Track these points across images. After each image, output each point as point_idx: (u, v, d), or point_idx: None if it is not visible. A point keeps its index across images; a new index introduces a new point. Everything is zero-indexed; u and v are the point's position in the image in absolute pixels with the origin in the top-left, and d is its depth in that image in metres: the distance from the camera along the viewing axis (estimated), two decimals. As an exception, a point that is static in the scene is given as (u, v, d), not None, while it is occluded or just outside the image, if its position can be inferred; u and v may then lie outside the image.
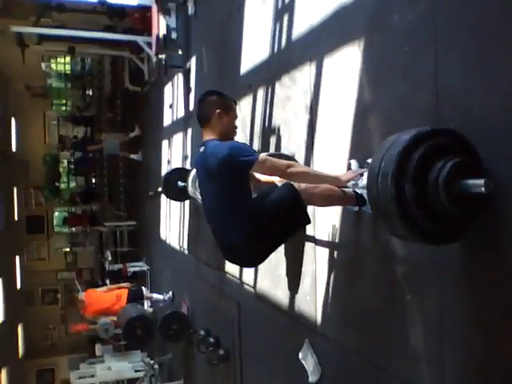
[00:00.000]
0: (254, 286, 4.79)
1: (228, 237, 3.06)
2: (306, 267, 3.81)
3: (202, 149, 3.11)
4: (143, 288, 9.12)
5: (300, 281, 3.87)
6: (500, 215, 2.14)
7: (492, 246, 2.23)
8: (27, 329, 19.90)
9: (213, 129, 3.13)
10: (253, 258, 3.25)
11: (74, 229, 19.00)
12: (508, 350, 2.15)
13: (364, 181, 2.85)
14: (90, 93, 18.72)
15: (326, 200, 3.08)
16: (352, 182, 3.00)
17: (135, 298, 8.60)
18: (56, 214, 23.06)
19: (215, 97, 3.21)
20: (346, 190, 3.01)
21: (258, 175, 3.33)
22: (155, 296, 8.85)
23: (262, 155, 2.95)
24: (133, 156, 11.42)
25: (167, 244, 8.87)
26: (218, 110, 3.12)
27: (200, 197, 5.28)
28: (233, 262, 3.52)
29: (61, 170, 22.29)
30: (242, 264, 4.06)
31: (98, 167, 17.21)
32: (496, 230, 2.18)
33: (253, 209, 3.01)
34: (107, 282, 11.04)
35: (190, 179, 5.62)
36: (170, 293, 8.59)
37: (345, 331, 3.35)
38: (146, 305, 8.76)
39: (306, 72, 3.74)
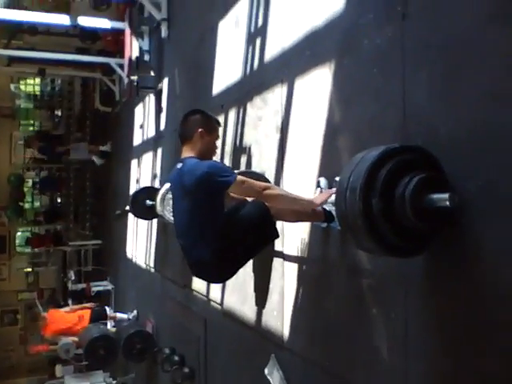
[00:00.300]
0: (221, 303, 4.80)
1: (196, 253, 3.06)
2: (273, 282, 3.84)
3: (179, 165, 3.09)
4: (107, 308, 9.03)
5: (268, 296, 3.90)
6: (464, 231, 2.20)
7: (455, 261, 2.27)
8: (-16, 351, 19.39)
9: (193, 147, 3.13)
10: (220, 274, 3.25)
11: (36, 249, 18.65)
12: (471, 363, 2.19)
13: (332, 197, 2.92)
14: (59, 113, 18.56)
15: (294, 216, 3.16)
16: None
17: (98, 318, 8.51)
18: (19, 233, 22.63)
19: (199, 116, 3.22)
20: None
21: (233, 194, 3.36)
22: (119, 315, 8.76)
23: (240, 176, 2.94)
24: (94, 158, 11.37)
25: (133, 263, 8.81)
26: (200, 129, 3.12)
27: (169, 215, 5.34)
28: (201, 278, 3.50)
29: (25, 189, 21.94)
30: (210, 280, 4.04)
31: (65, 187, 17.01)
32: (460, 246, 2.23)
33: (223, 224, 3.02)
34: (69, 302, 10.89)
35: (158, 198, 5.62)
36: (135, 312, 8.51)
37: (311, 345, 3.38)
38: (110, 324, 8.67)
39: (278, 93, 3.83)
